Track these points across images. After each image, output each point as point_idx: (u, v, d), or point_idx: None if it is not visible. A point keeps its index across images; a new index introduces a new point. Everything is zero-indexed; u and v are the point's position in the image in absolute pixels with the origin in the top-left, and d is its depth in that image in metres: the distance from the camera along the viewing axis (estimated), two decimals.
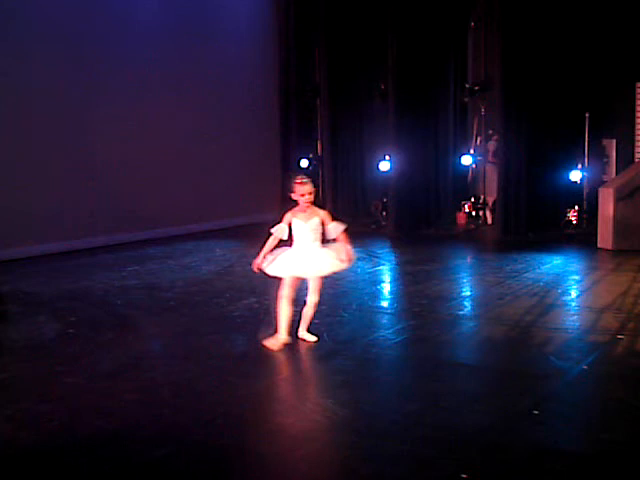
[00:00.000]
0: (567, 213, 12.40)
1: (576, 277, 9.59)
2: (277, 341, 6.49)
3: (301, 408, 5.32)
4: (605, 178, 12.23)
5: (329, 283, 9.17)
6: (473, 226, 13.31)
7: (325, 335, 6.88)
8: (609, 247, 10.92)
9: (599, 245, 11.05)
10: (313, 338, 6.61)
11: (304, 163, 14.53)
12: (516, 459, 4.46)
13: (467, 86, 13.39)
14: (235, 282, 9.30)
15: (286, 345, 6.49)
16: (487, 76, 13.16)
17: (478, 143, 13.62)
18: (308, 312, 6.61)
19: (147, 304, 8.28)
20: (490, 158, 13.30)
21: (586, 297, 8.56)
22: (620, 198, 10.93)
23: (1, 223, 10.36)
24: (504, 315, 7.54)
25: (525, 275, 9.35)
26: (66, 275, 9.79)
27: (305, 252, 6.36)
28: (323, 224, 6.39)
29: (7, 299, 8.01)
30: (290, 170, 14.49)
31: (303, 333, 6.63)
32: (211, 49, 13.54)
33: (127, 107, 12.17)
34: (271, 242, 6.43)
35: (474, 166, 13.70)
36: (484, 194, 13.41)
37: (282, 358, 6.39)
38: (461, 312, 7.87)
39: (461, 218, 13.58)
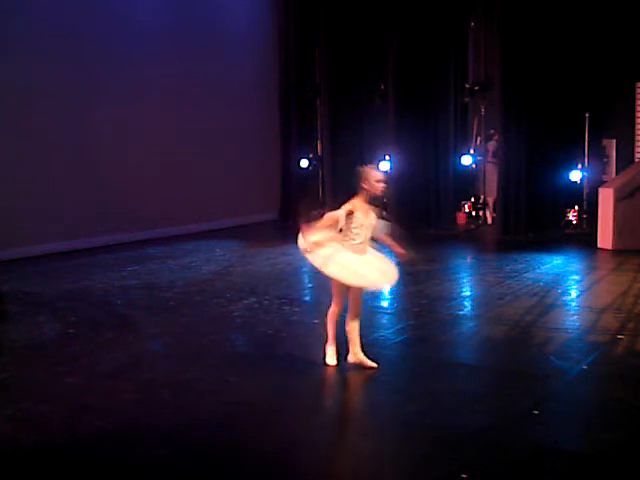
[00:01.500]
0: (567, 213, 12.39)
1: (576, 277, 9.59)
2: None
3: (301, 408, 5.32)
4: (605, 178, 12.23)
5: (329, 283, 9.20)
6: (473, 226, 13.31)
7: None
8: (609, 247, 10.92)
9: (599, 245, 11.05)
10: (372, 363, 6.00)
11: (304, 163, 14.53)
12: (516, 459, 4.46)
13: (467, 86, 13.39)
14: (235, 282, 9.30)
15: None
16: (487, 76, 13.16)
17: (478, 143, 13.62)
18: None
19: (147, 304, 8.28)
20: (490, 158, 13.30)
21: (586, 297, 8.57)
22: (620, 198, 10.93)
23: (1, 223, 10.36)
24: (504, 315, 7.54)
25: (525, 275, 9.35)
26: (66, 275, 9.79)
27: (362, 256, 5.79)
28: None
29: (7, 299, 8.01)
30: (290, 170, 14.52)
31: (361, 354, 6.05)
32: (211, 49, 13.54)
33: (127, 107, 12.16)
34: (324, 226, 5.71)
35: (474, 166, 13.70)
36: (484, 194, 13.41)
37: (282, 358, 6.39)
38: (461, 312, 7.87)
39: (461, 218, 13.58)
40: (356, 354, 5.94)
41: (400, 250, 5.97)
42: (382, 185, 5.85)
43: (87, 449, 4.66)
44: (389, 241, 5.99)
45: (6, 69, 10.65)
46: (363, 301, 5.95)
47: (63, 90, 11.35)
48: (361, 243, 5.80)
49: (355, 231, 5.76)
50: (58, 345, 6.90)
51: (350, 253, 5.77)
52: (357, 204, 5.79)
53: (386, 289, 5.93)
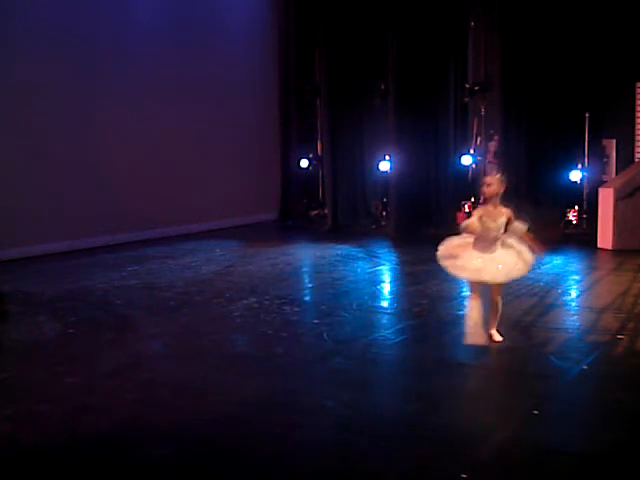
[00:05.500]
0: (567, 213, 12.38)
1: (576, 277, 9.59)
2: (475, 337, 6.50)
3: (301, 408, 5.32)
4: (605, 178, 12.22)
5: (329, 283, 9.23)
6: None
7: (325, 335, 6.88)
8: (609, 247, 10.91)
9: (599, 245, 11.05)
10: (499, 338, 6.59)
11: (304, 163, 14.53)
12: (516, 459, 4.46)
13: (467, 86, 13.37)
14: (235, 282, 9.29)
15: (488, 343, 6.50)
16: (487, 76, 13.15)
17: (478, 143, 13.61)
18: (495, 312, 6.61)
19: (147, 304, 8.28)
20: (490, 158, 13.28)
21: (586, 297, 8.57)
22: (620, 198, 10.93)
23: (1, 223, 10.35)
24: (504, 315, 7.50)
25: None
26: (66, 275, 9.79)
27: (489, 254, 6.37)
28: (508, 223, 6.42)
29: (7, 299, 8.00)
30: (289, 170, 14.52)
31: (493, 332, 6.63)
32: (211, 49, 13.54)
33: (127, 107, 12.16)
34: (468, 232, 6.45)
35: (474, 166, 13.69)
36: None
37: (282, 358, 6.39)
38: (461, 312, 7.84)
39: (461, 218, 13.55)
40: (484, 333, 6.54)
41: (535, 247, 6.50)
42: (486, 188, 6.43)
43: (87, 449, 4.66)
44: (526, 238, 6.51)
45: (6, 69, 10.64)
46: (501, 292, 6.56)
47: (63, 90, 11.35)
48: (489, 243, 6.37)
49: (483, 234, 6.36)
50: (58, 345, 6.90)
51: (477, 252, 6.37)
52: (484, 209, 6.45)
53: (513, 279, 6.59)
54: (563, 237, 11.96)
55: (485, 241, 6.36)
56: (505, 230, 6.42)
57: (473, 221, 6.37)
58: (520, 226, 6.46)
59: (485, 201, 6.50)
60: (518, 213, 6.51)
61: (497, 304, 6.58)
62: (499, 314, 6.62)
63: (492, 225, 6.35)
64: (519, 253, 6.45)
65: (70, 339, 7.02)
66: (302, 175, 14.60)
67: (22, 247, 10.70)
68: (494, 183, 6.41)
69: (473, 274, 6.37)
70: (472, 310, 6.45)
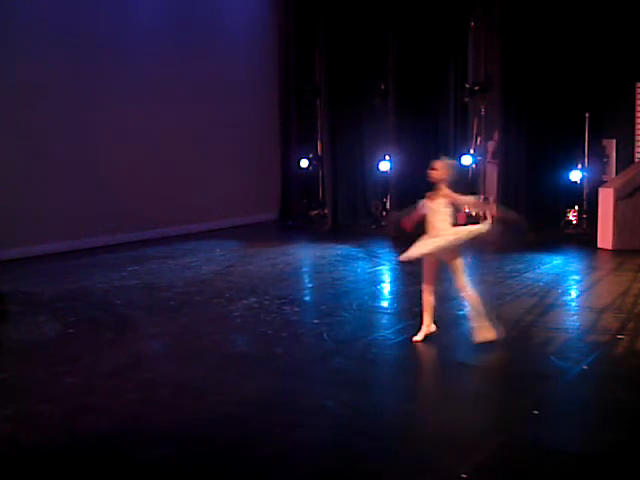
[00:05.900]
0: (567, 213, 12.38)
1: (576, 277, 9.60)
2: (422, 332, 6.63)
3: (301, 408, 5.32)
4: (605, 178, 12.22)
5: (329, 283, 9.23)
6: None
7: (325, 335, 6.88)
8: (609, 247, 10.91)
9: (599, 245, 11.05)
10: (490, 335, 6.52)
11: (304, 163, 14.52)
12: (516, 459, 4.46)
13: (467, 86, 13.37)
14: (235, 282, 9.30)
15: (430, 334, 6.62)
16: (487, 76, 13.15)
17: (478, 143, 13.61)
18: (472, 305, 6.66)
19: (147, 304, 8.28)
20: (489, 158, 13.28)
21: (586, 297, 8.57)
22: (620, 198, 10.93)
23: (1, 223, 10.35)
24: (504, 315, 7.53)
25: (525, 275, 9.35)
26: (66, 275, 9.79)
27: (436, 236, 6.45)
28: (456, 205, 6.52)
29: (7, 299, 8.01)
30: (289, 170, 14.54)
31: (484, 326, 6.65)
32: (211, 49, 13.54)
33: (127, 107, 12.16)
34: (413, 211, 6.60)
35: (474, 166, 13.69)
36: (484, 194, 13.39)
37: (282, 358, 6.39)
38: (461, 312, 7.85)
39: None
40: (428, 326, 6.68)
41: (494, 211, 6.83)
42: (431, 171, 6.45)
43: (87, 449, 4.66)
44: (484, 207, 7.15)
45: (6, 69, 10.64)
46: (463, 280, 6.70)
47: (63, 90, 11.35)
48: (431, 226, 6.46)
49: (428, 217, 6.47)
50: (58, 345, 6.90)
51: (427, 236, 6.48)
52: (428, 194, 6.47)
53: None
54: (563, 237, 11.98)
55: (431, 225, 6.45)
56: (457, 210, 6.61)
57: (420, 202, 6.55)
58: (468, 197, 6.75)
59: (432, 185, 6.53)
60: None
61: (469, 297, 6.64)
62: (475, 305, 6.61)
63: (430, 206, 6.44)
64: (465, 230, 6.56)
65: (70, 339, 7.02)
66: (302, 175, 14.59)
67: (22, 247, 10.70)
68: (440, 168, 6.48)
69: (416, 250, 6.46)
70: (423, 294, 6.67)
